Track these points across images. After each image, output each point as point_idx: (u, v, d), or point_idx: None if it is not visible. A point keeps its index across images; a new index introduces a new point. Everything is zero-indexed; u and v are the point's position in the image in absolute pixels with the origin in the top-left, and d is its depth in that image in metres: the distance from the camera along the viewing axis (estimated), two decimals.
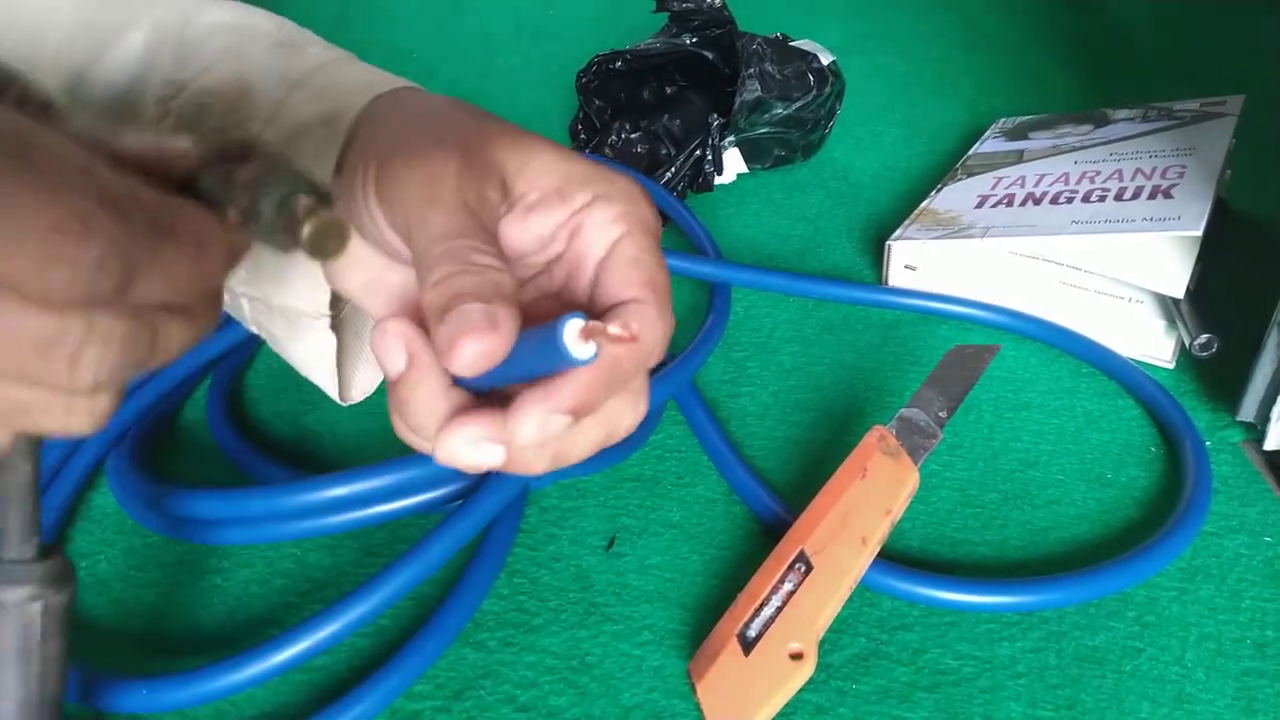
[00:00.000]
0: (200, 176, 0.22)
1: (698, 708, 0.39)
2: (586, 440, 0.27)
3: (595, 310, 0.27)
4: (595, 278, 0.27)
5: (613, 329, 0.23)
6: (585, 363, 0.23)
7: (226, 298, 0.35)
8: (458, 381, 0.26)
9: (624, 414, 0.27)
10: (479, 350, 0.23)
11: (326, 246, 0.21)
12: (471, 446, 0.25)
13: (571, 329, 0.23)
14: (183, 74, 0.32)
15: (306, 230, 0.21)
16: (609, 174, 0.28)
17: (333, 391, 0.35)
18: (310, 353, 0.34)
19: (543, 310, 0.28)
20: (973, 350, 0.51)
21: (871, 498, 0.42)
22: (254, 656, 0.38)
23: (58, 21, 0.32)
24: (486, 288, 0.24)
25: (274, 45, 0.33)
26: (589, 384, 0.24)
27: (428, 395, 0.26)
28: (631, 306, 0.26)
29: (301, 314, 0.33)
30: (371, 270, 0.29)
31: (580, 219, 0.27)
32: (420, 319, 0.27)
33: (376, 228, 0.27)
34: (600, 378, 0.25)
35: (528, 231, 0.27)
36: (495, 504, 0.44)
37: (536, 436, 0.24)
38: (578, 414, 0.25)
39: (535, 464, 0.26)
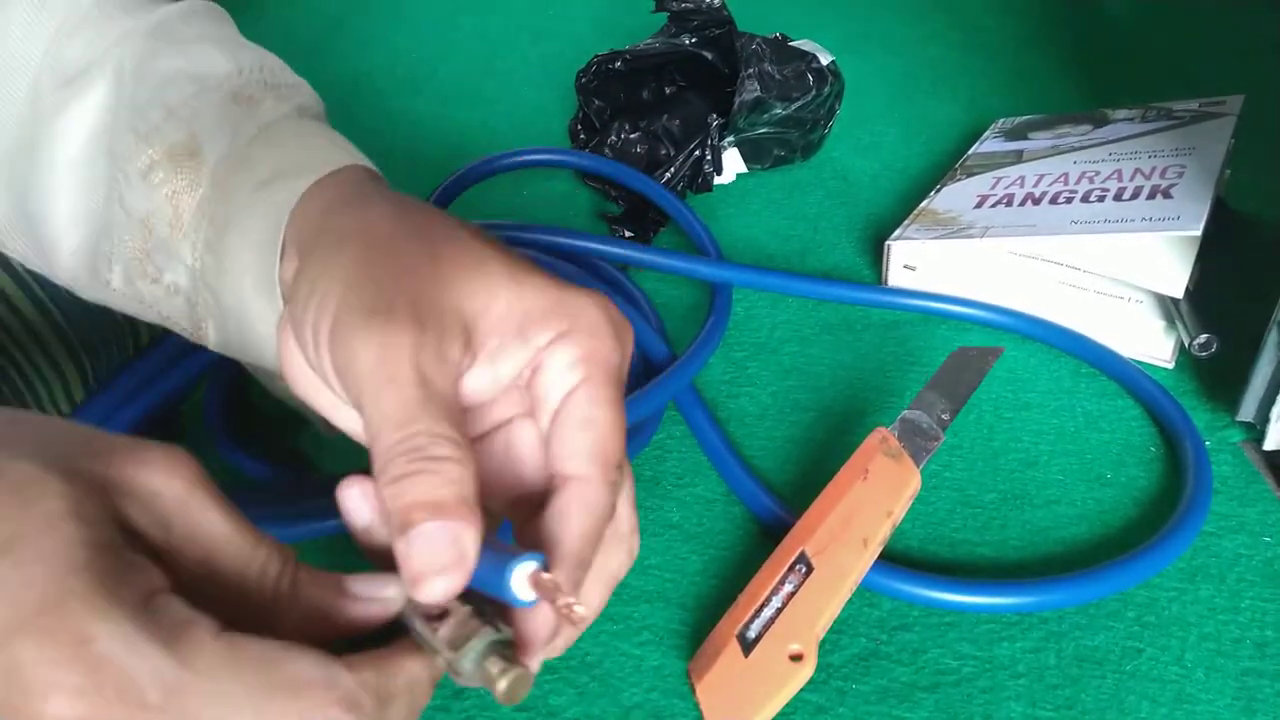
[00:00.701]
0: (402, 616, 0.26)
1: (697, 708, 0.39)
2: (591, 603, 0.28)
3: (547, 467, 0.27)
4: (549, 430, 0.27)
5: (562, 601, 0.24)
6: (528, 605, 0.25)
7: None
8: None
9: (622, 562, 0.29)
10: (446, 587, 0.23)
11: (517, 693, 0.24)
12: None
13: (520, 575, 0.24)
14: (140, 127, 0.31)
15: (502, 685, 0.24)
16: (571, 302, 0.26)
17: (318, 424, 0.35)
18: (289, 396, 0.34)
19: (512, 437, 0.28)
20: (975, 352, 0.51)
21: (873, 499, 0.42)
22: None
23: (30, 64, 0.32)
24: (446, 491, 0.23)
25: (229, 98, 0.32)
26: (540, 630, 0.26)
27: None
28: (574, 486, 0.26)
29: (274, 373, 0.32)
30: (325, 406, 0.29)
31: (541, 358, 0.26)
32: None
33: (328, 382, 0.26)
34: (548, 626, 0.26)
35: (495, 381, 0.27)
36: None
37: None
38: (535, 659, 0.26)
39: (558, 647, 0.28)
